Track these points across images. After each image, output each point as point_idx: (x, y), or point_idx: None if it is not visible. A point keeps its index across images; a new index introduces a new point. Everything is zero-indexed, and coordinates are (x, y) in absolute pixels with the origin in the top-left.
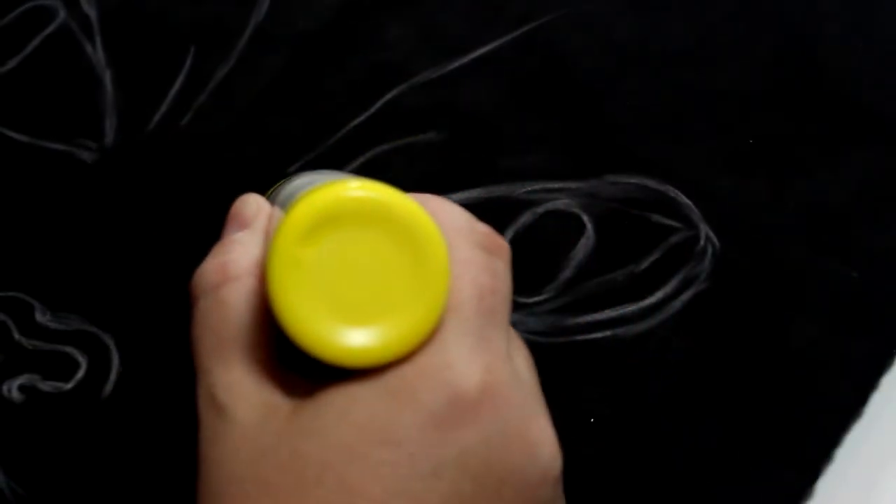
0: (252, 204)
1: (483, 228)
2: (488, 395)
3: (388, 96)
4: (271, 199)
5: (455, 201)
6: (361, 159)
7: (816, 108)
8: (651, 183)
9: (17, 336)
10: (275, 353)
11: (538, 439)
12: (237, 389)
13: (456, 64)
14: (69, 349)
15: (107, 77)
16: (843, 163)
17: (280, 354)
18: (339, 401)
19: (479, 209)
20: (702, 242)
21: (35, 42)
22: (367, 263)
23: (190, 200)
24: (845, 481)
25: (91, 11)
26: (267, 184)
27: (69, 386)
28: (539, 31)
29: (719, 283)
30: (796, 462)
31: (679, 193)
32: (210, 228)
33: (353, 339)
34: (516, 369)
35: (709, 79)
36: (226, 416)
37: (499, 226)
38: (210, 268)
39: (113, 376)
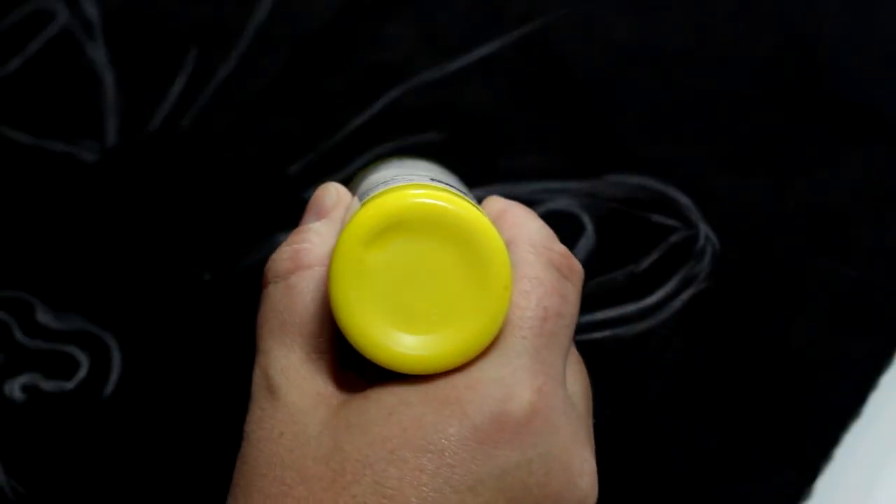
0: (332, 193)
1: (560, 249)
2: (536, 418)
3: (389, 96)
4: (353, 186)
5: None
6: (362, 159)
7: (816, 108)
8: (651, 183)
9: (18, 336)
10: (334, 346)
11: (580, 470)
12: (292, 374)
13: (456, 64)
14: (71, 349)
15: (108, 77)
16: (843, 163)
17: (339, 347)
18: (388, 400)
19: None
20: (701, 242)
21: (37, 43)
22: (429, 271)
23: (191, 200)
24: (845, 480)
25: (92, 12)
26: (266, 184)
27: (71, 385)
28: (539, 31)
29: (719, 282)
30: (796, 461)
31: (679, 193)
32: (210, 228)
33: (408, 346)
34: (569, 397)
35: (709, 79)
36: (277, 398)
37: None
38: (283, 255)
39: (114, 376)
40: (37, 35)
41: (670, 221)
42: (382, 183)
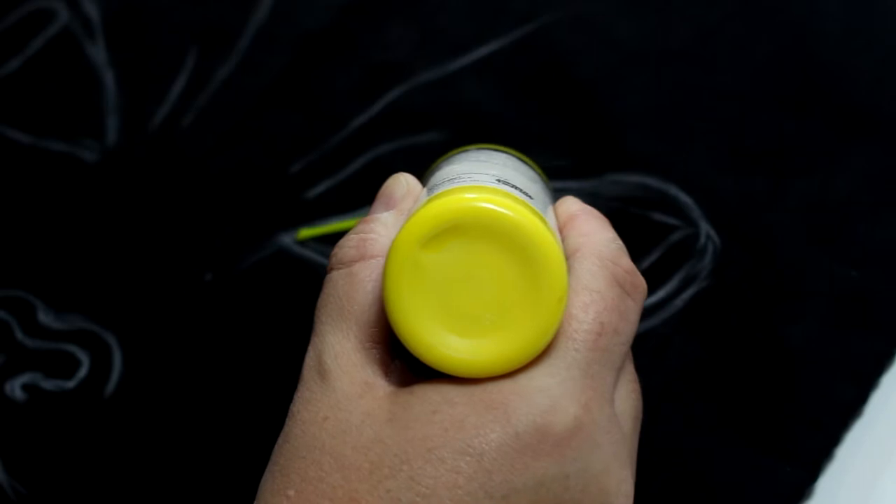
0: (402, 184)
1: (626, 264)
2: (579, 433)
3: (390, 96)
4: (426, 177)
5: None
6: (363, 159)
7: (816, 108)
8: (651, 182)
9: (19, 335)
10: (388, 336)
11: (616, 491)
12: (344, 360)
13: (457, 64)
14: (72, 348)
15: (108, 77)
16: (842, 162)
17: (391, 338)
18: (432, 398)
19: None
20: (702, 241)
21: (37, 43)
22: (484, 275)
23: (191, 200)
24: (846, 479)
25: (92, 12)
26: (267, 184)
27: (72, 384)
28: (540, 31)
29: (720, 281)
30: (797, 460)
31: (679, 192)
32: (211, 228)
33: (457, 348)
34: (616, 415)
35: (709, 79)
36: (326, 382)
37: None
38: (349, 243)
39: (115, 375)
40: (37, 35)
41: (671, 220)
42: (449, 180)
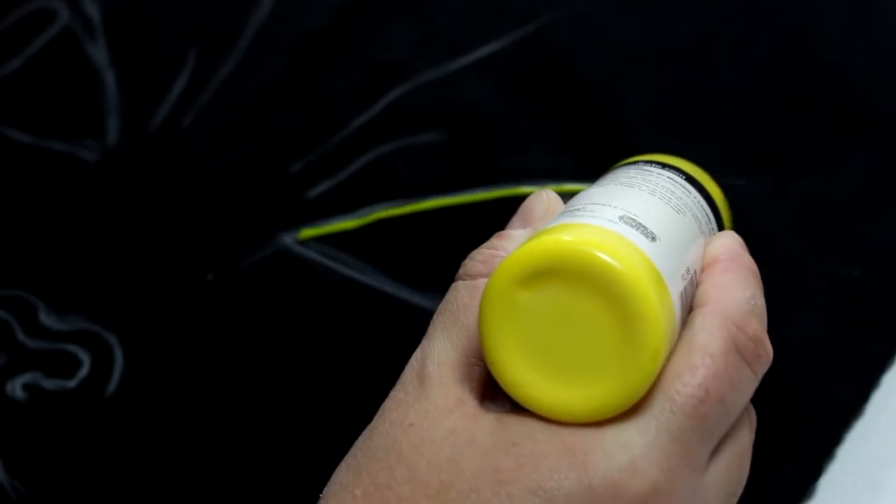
0: (543, 202)
1: (753, 331)
2: (653, 499)
3: (390, 96)
4: (571, 195)
5: (456, 201)
6: (363, 159)
7: (816, 108)
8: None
9: (20, 335)
10: None
11: None
12: (445, 370)
13: (456, 64)
14: (72, 347)
15: (109, 77)
16: (842, 162)
17: None
18: (516, 429)
19: (481, 209)
20: None
21: (38, 43)
22: (580, 320)
23: (192, 200)
24: (847, 479)
25: (93, 12)
26: (267, 184)
27: (72, 384)
28: (540, 31)
29: None
30: (798, 460)
31: None
32: (212, 228)
33: (546, 390)
34: (704, 488)
35: (709, 79)
36: (423, 387)
37: (501, 225)
38: (479, 255)
39: (116, 375)
40: (37, 35)
41: None
42: (572, 210)
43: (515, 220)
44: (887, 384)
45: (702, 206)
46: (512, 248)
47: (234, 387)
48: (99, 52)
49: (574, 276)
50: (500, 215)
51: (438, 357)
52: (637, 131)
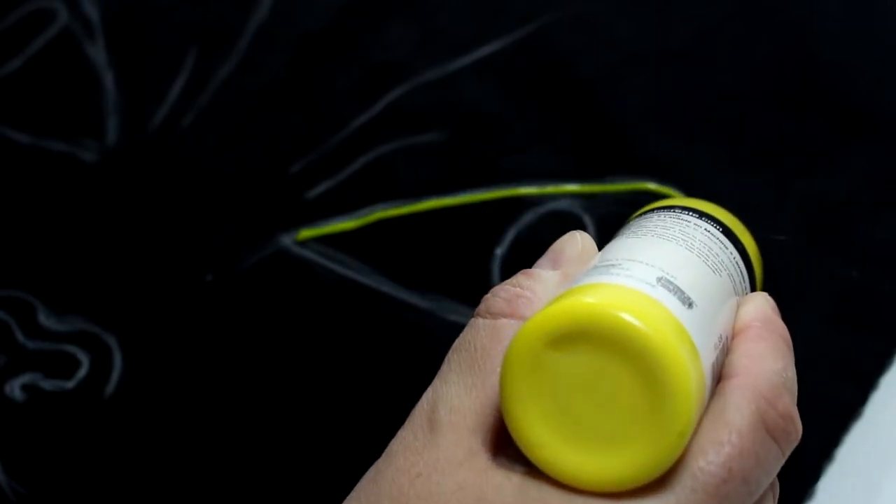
0: (577, 245)
1: (783, 407)
2: None
3: (390, 96)
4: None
5: (456, 202)
6: (363, 159)
7: (816, 108)
8: (651, 183)
9: (19, 335)
10: None
11: None
12: (458, 417)
13: (457, 64)
14: (71, 348)
15: (108, 77)
16: (842, 162)
17: None
18: (529, 492)
19: (481, 209)
20: None
21: (37, 43)
22: (607, 387)
23: (191, 200)
24: (846, 481)
25: (92, 12)
26: (267, 184)
27: (71, 385)
28: (540, 31)
29: None
30: (797, 462)
31: (679, 192)
32: (211, 228)
33: (566, 457)
34: None
35: (709, 79)
36: (433, 434)
37: (500, 226)
38: (502, 293)
39: (115, 376)
40: (37, 35)
41: None
42: (607, 266)
43: (545, 259)
44: (886, 385)
45: (737, 264)
46: (539, 289)
47: (233, 387)
48: (98, 53)
49: (607, 342)
50: (500, 215)
51: (451, 402)
52: (637, 131)
